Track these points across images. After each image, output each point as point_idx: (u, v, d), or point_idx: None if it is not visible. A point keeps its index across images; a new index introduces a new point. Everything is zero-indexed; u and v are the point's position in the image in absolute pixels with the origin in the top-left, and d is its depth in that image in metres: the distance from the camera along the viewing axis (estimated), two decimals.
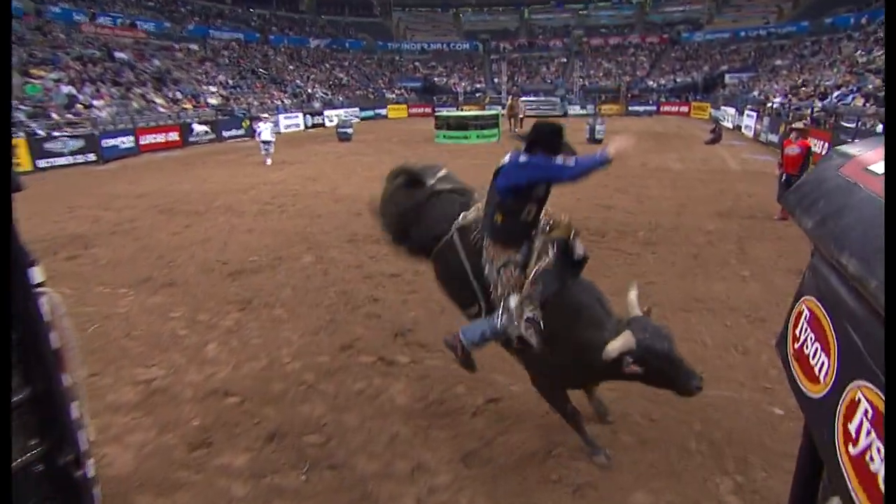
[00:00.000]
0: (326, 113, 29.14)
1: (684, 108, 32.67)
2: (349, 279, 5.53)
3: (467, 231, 2.83)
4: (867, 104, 13.39)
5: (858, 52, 21.23)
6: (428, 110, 35.55)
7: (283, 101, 28.97)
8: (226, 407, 3.33)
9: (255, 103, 26.91)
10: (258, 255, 6.38)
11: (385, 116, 34.89)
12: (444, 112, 24.77)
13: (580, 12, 45.34)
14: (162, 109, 21.26)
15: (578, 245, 2.61)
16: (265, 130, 14.49)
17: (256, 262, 6.16)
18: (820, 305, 0.85)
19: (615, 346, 2.31)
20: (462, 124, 18.98)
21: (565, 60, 42.94)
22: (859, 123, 10.47)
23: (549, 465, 2.78)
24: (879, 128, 9.56)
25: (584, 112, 33.00)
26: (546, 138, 2.55)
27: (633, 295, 2.57)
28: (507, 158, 2.59)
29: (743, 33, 37.92)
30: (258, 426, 3.14)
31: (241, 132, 22.55)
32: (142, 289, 5.33)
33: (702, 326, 4.32)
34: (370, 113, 33.72)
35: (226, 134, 21.90)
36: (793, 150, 7.53)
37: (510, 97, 24.08)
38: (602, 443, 2.86)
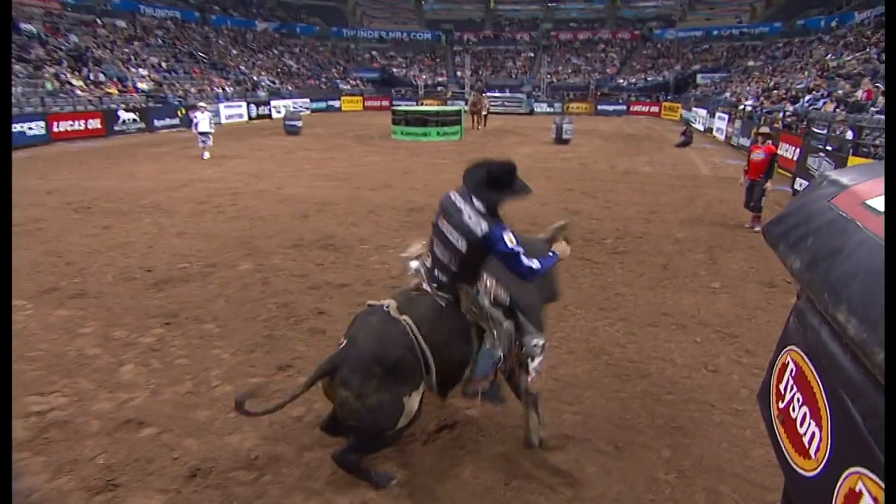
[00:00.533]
0: (273, 103, 28.53)
1: (655, 109, 33.73)
2: (292, 290, 5.33)
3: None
4: (837, 109, 14.11)
5: (829, 55, 22.44)
6: (385, 103, 35.37)
7: (224, 89, 28.12)
8: (139, 440, 3.09)
9: (193, 90, 25.98)
10: (189, 262, 6.08)
11: (338, 109, 34.59)
12: (403, 106, 24.65)
13: (549, 4, 46.23)
14: (80, 93, 20.16)
15: None
16: (203, 121, 13.99)
17: (186, 269, 5.86)
18: (808, 361, 0.79)
19: None
20: (422, 120, 18.95)
21: (532, 55, 43.65)
22: (830, 129, 11.00)
23: (507, 499, 2.70)
24: (849, 134, 10.05)
25: (551, 111, 33.58)
26: (498, 179, 2.62)
27: None
28: (485, 227, 2.58)
29: (716, 32, 39.62)
30: (177, 462, 2.92)
31: (175, 122, 21.74)
32: (44, 301, 4.96)
33: (671, 343, 4.37)
34: (322, 105, 33.34)
35: (158, 123, 21.05)
36: (758, 155, 7.80)
37: (473, 92, 24.23)
38: (564, 473, 2.82)
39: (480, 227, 2.57)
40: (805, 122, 13.02)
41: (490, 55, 44.53)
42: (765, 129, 8.16)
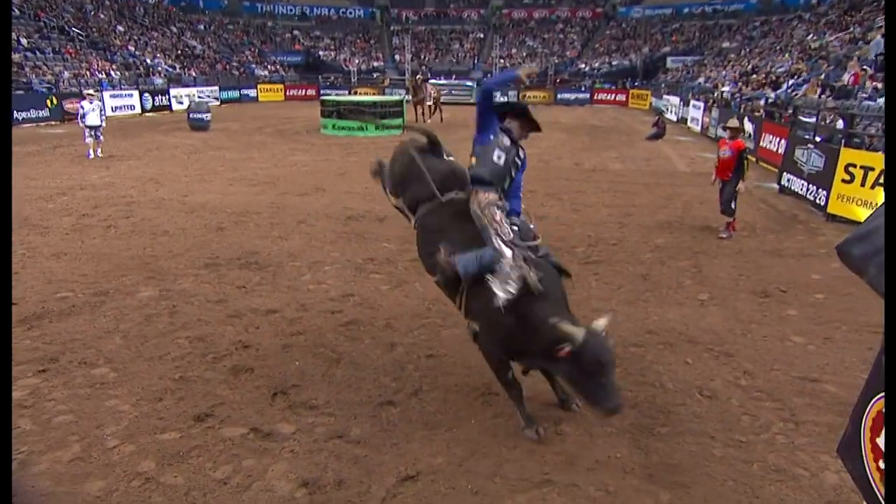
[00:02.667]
0: (173, 92, 27.76)
1: (621, 97, 35.02)
2: (208, 320, 5.14)
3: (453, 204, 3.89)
4: (823, 95, 15.01)
5: (810, 35, 23.96)
6: (311, 93, 35.18)
7: (108, 74, 27.05)
8: None
9: (67, 75, 24.82)
10: (71, 290, 5.76)
11: (254, 99, 34.15)
12: (334, 96, 24.50)
13: None
14: None
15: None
16: (92, 112, 13.41)
17: (68, 299, 5.54)
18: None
19: (567, 327, 3.08)
20: (357, 112, 18.93)
21: (482, 36, 44.49)
22: (819, 118, 11.68)
23: None
24: (840, 123, 10.68)
25: (504, 99, 34.17)
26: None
27: (602, 321, 3.27)
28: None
29: (686, 9, 41.65)
30: None
31: (44, 114, 20.72)
32: None
33: (659, 365, 4.48)
34: (234, 94, 32.85)
35: (19, 116, 19.99)
36: (725, 152, 8.03)
37: (415, 78, 24.34)
38: None
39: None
40: (791, 111, 13.77)
41: (433, 36, 45.07)
42: (733, 123, 8.57)
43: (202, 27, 39.84)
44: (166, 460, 3.34)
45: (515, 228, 3.60)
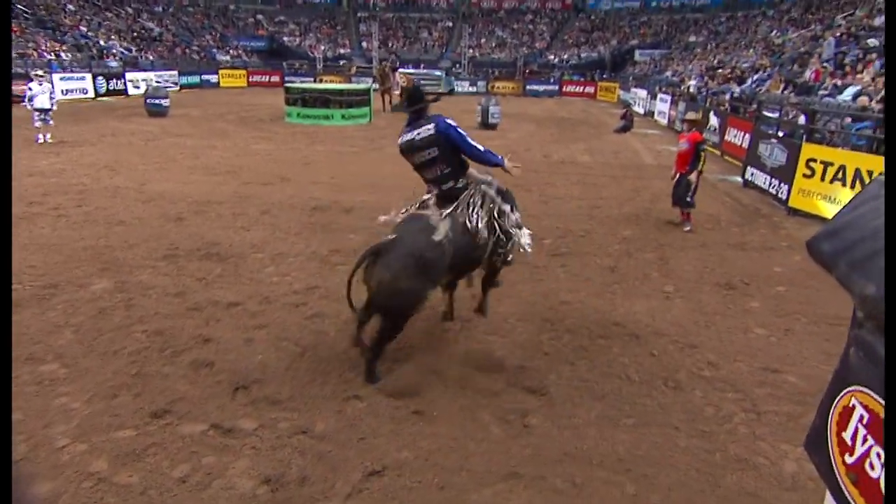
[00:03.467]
0: (130, 76, 27.00)
1: (590, 89, 35.42)
2: (166, 313, 5.02)
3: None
4: (786, 91, 15.40)
5: (774, 32, 24.53)
6: (275, 79, 34.67)
7: (57, 56, 26.12)
8: None
9: (12, 55, 23.87)
10: (18, 283, 5.56)
11: (216, 85, 33.54)
12: (299, 83, 24.14)
13: None
14: None
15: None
16: (42, 94, 12.94)
17: (15, 293, 5.35)
18: (885, 406, 0.79)
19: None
20: (323, 100, 18.68)
21: (451, 25, 44.36)
22: (782, 113, 11.96)
23: None
24: (802, 119, 10.97)
25: (474, 90, 34.28)
26: (416, 95, 4.42)
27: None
28: (431, 127, 4.24)
29: (654, 3, 42.23)
30: None
31: None
32: None
33: (625, 357, 4.55)
34: (195, 79, 32.19)
35: None
36: (682, 145, 8.17)
37: (382, 66, 24.16)
38: None
39: (429, 129, 4.21)
40: (755, 106, 14.09)
41: (402, 24, 44.76)
42: (691, 115, 8.69)
43: (160, 9, 38.78)
44: (120, 459, 3.25)
45: None
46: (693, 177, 7.99)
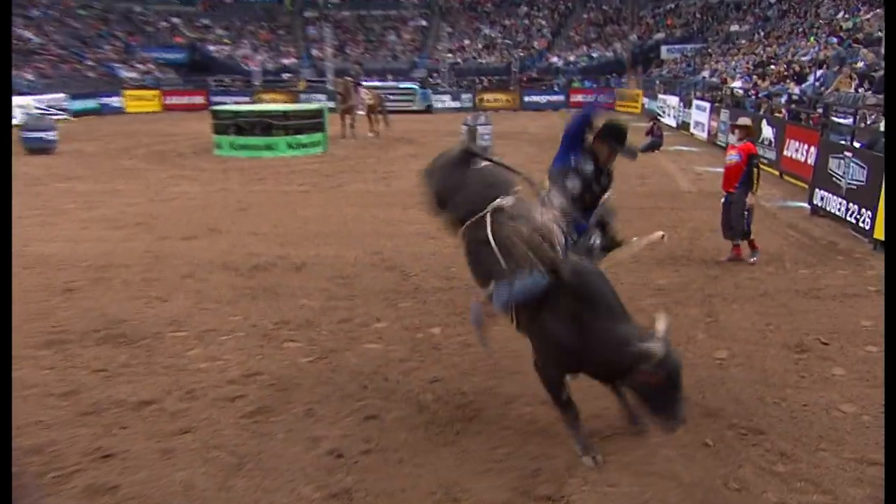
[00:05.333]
0: None
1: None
2: (51, 422, 4.92)
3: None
4: (861, 89, 15.70)
5: (841, 13, 25.24)
6: (199, 100, 35.07)
7: None
8: None
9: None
10: None
11: (120, 110, 33.90)
12: (230, 105, 24.42)
13: None
14: None
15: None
16: None
17: None
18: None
19: (651, 346, 3.79)
20: (263, 126, 18.85)
21: (425, 24, 45.47)
22: (857, 118, 12.12)
23: None
24: (883, 124, 11.15)
25: (457, 106, 34.85)
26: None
27: (662, 324, 4.06)
28: None
29: None
30: None
31: None
32: None
33: (669, 450, 4.48)
34: (91, 104, 32.51)
35: None
36: (731, 157, 8.52)
37: (345, 80, 24.50)
38: None
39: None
40: (820, 110, 14.31)
41: (362, 24, 45.84)
42: (743, 121, 8.90)
43: (38, 12, 38.98)
44: None
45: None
46: (751, 198, 8.24)
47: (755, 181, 8.32)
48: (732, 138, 8.71)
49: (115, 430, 4.80)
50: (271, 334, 6.47)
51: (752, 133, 8.94)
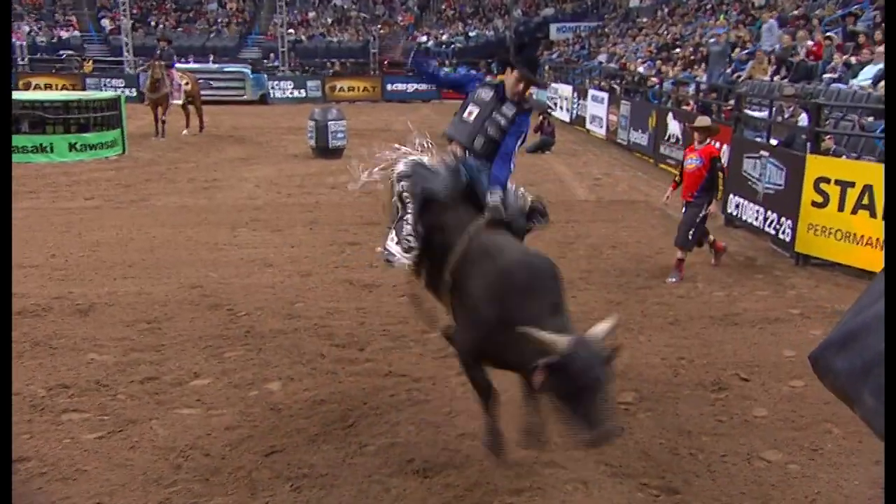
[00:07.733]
0: None
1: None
2: None
3: None
4: (776, 77, 16.47)
5: None
6: None
7: None
8: None
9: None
10: None
11: None
12: None
13: None
14: None
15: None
16: None
17: None
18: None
19: (543, 336, 3.91)
20: (33, 121, 18.03)
21: None
22: (773, 111, 12.67)
23: None
24: (803, 118, 11.64)
25: (302, 96, 34.54)
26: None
27: (606, 323, 4.25)
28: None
29: None
30: None
31: None
32: None
33: None
34: None
35: None
36: (691, 161, 8.88)
37: (156, 62, 23.51)
38: None
39: None
40: (732, 101, 14.87)
41: None
42: (702, 121, 9.26)
43: None
44: None
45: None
46: (712, 208, 8.74)
47: (719, 187, 8.76)
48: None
49: None
50: (43, 404, 6.04)
51: (713, 133, 9.26)
